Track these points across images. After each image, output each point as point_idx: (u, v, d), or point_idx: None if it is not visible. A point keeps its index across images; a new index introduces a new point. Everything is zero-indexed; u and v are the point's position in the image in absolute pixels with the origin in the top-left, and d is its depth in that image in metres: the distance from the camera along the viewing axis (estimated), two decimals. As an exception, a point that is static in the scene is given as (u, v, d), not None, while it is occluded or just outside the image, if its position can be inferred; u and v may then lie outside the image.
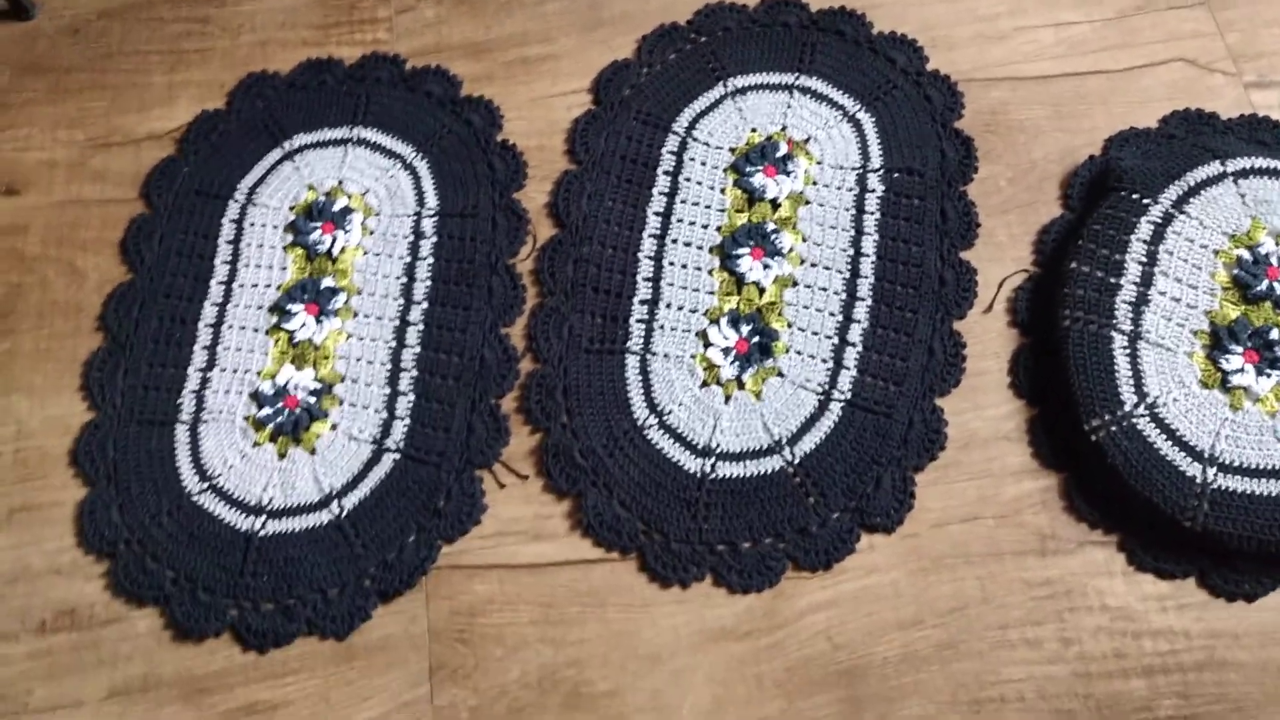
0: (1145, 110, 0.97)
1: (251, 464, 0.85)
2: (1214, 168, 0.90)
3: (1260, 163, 0.90)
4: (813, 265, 0.91)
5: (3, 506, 0.85)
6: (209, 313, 0.91)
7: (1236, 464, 0.80)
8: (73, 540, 0.84)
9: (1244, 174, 0.90)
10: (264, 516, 0.83)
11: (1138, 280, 0.86)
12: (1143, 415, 0.82)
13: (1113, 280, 0.86)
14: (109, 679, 0.79)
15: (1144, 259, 0.87)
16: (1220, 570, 0.79)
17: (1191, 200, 0.89)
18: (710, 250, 0.92)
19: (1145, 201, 0.89)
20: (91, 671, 0.79)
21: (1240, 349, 0.83)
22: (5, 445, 0.87)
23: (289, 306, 0.90)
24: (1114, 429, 0.81)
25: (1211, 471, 0.79)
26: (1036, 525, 0.82)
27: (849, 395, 0.86)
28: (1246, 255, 0.87)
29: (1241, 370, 0.83)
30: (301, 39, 1.05)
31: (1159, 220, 0.88)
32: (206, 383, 0.88)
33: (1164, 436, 0.81)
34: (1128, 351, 0.84)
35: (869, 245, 0.91)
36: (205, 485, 0.84)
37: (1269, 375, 0.83)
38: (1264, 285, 0.85)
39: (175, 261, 0.93)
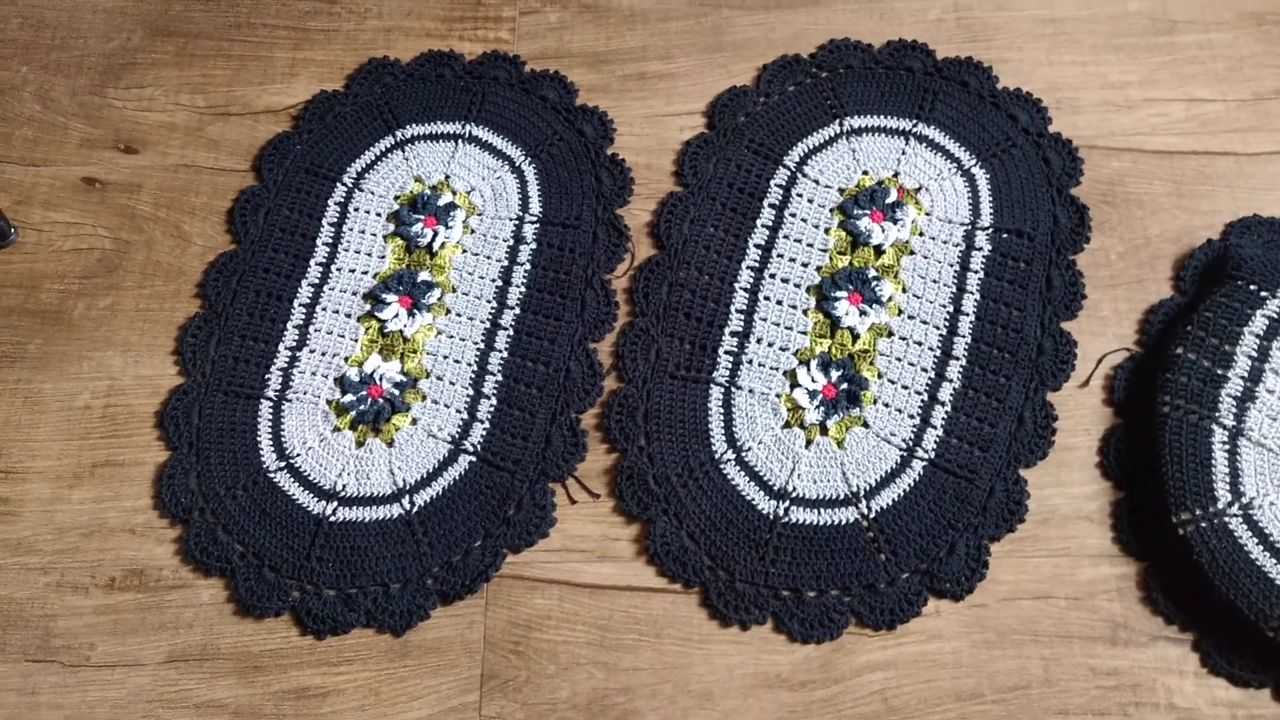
0: (1271, 198, 0.94)
1: (329, 448, 0.86)
2: (1340, 268, 0.87)
3: (1389, 268, 0.87)
4: (910, 317, 0.90)
5: (87, 459, 0.87)
6: (305, 292, 0.92)
7: (1330, 579, 0.77)
8: (149, 502, 0.85)
9: (1371, 278, 0.86)
10: (335, 503, 0.84)
11: (1246, 374, 0.84)
12: (1236, 515, 0.79)
13: (1219, 371, 0.84)
14: (169, 644, 0.80)
15: (1255, 353, 0.84)
16: (1299, 685, 0.77)
17: (1312, 299, 0.86)
18: (808, 289, 0.91)
19: (1263, 294, 0.86)
20: (153, 634, 0.80)
21: (1346, 460, 0.81)
22: (97, 400, 0.89)
23: (384, 296, 0.91)
24: (1204, 525, 0.79)
25: (1302, 583, 0.77)
26: (1110, 612, 0.80)
27: (932, 455, 0.84)
28: (1364, 363, 0.84)
29: (1345, 482, 0.80)
30: (425, 30, 1.06)
31: (1275, 315, 0.86)
32: (295, 362, 0.89)
33: (1256, 540, 0.78)
34: (1227, 447, 0.82)
35: (969, 304, 0.90)
36: (282, 464, 0.85)
37: (1374, 491, 0.80)
38: (1379, 397, 0.82)
39: (278, 237, 0.94)
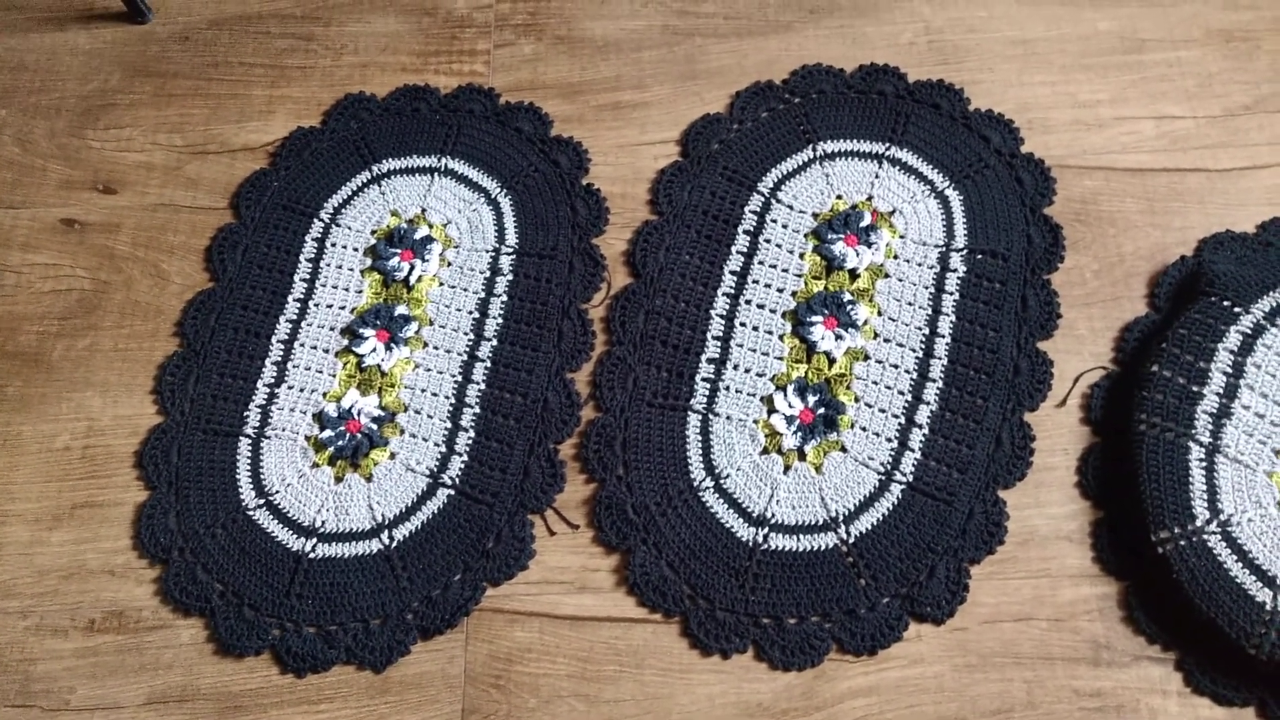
0: (1243, 214, 0.95)
1: (308, 484, 0.86)
2: (1312, 282, 0.87)
3: (1362, 282, 0.87)
4: (886, 341, 0.90)
5: (67, 501, 0.87)
6: (283, 329, 0.92)
7: (1311, 594, 0.77)
8: (129, 542, 0.85)
9: (1344, 292, 0.87)
10: (315, 539, 0.84)
11: (1221, 391, 0.84)
12: (1215, 533, 0.79)
13: (1195, 388, 0.84)
14: (149, 686, 0.80)
15: (1230, 369, 0.84)
16: (1282, 703, 0.77)
17: (1286, 314, 0.86)
18: (784, 315, 0.92)
19: (1236, 310, 0.86)
20: (133, 676, 0.80)
21: (1324, 474, 0.81)
22: (76, 441, 0.89)
23: (361, 330, 0.91)
24: (1183, 543, 0.79)
25: (1283, 599, 0.76)
26: (1092, 633, 0.80)
27: (911, 478, 0.84)
28: (1339, 377, 0.84)
29: (1323, 497, 0.80)
30: (401, 64, 1.07)
31: (1249, 331, 0.86)
32: (274, 398, 0.89)
33: (1235, 557, 0.78)
34: (1204, 464, 0.82)
35: (945, 326, 0.90)
36: (261, 501, 0.85)
37: (1352, 505, 0.80)
38: (1355, 410, 0.82)
39: (256, 274, 0.95)
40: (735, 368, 0.90)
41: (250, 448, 0.88)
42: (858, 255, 0.93)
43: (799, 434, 0.86)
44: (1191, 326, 0.86)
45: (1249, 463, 0.82)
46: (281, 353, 0.91)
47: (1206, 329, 0.86)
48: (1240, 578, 0.77)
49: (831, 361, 0.89)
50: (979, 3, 1.07)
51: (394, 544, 0.83)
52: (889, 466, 0.85)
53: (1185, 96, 1.01)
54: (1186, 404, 0.83)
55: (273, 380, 0.90)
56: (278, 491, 0.86)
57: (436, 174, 1.00)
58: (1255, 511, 0.80)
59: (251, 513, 0.85)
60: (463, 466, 0.86)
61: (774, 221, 0.96)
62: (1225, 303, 0.87)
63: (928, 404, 0.87)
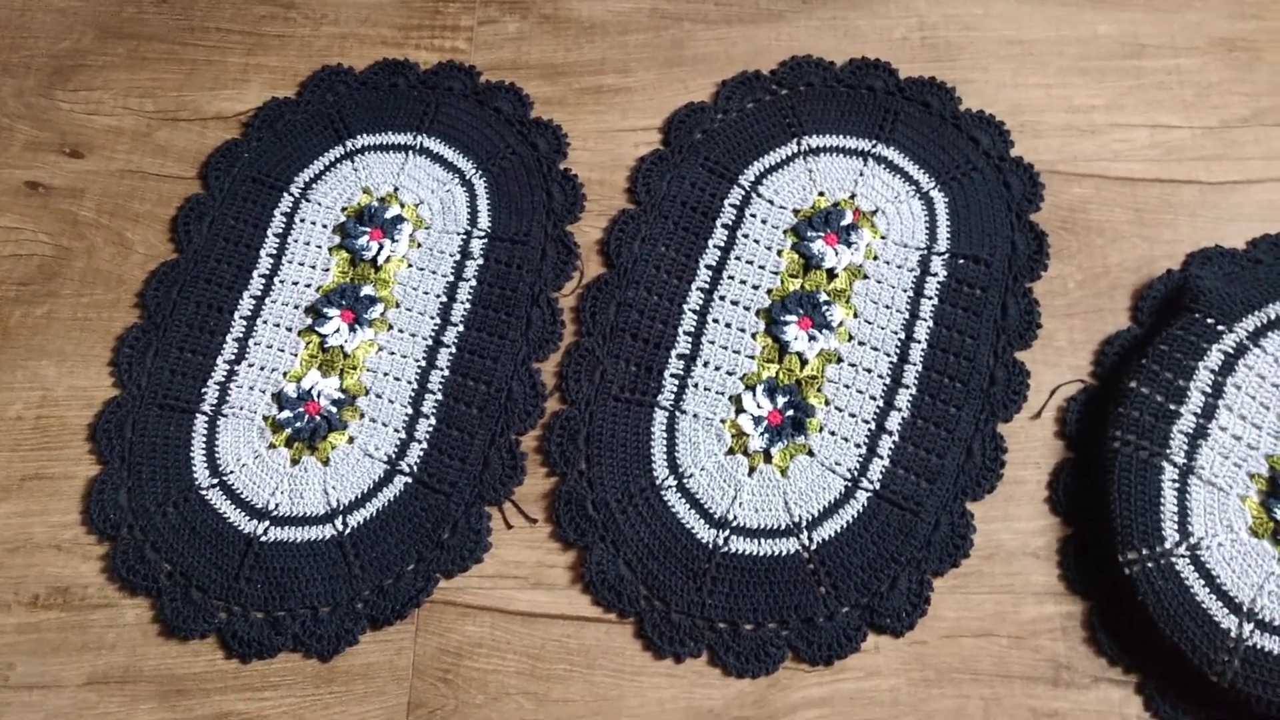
0: (1234, 229, 0.93)
1: (264, 465, 0.84)
2: (1299, 304, 0.85)
3: (1350, 305, 0.85)
4: (861, 344, 0.88)
5: (16, 472, 0.85)
6: (246, 304, 0.90)
7: (1277, 623, 0.75)
8: (77, 517, 0.84)
9: (1331, 315, 0.85)
10: (267, 522, 0.82)
11: (1199, 411, 0.82)
12: (1183, 555, 0.77)
13: (1172, 407, 0.82)
14: (90, 665, 0.78)
15: (1209, 389, 0.83)
16: (1242, 731, 0.75)
17: (1269, 335, 0.84)
18: (757, 313, 0.90)
19: (1220, 328, 0.84)
20: (75, 655, 0.79)
21: (1298, 501, 0.79)
22: (29, 410, 0.88)
23: (325, 310, 0.89)
24: (1150, 565, 0.77)
25: (1249, 627, 0.75)
26: (1053, 652, 0.78)
27: (877, 486, 0.82)
28: (1320, 402, 0.82)
29: (1296, 524, 0.78)
30: (381, 37, 1.04)
31: (1231, 350, 0.84)
32: (233, 375, 0.88)
33: (1202, 582, 0.77)
34: (1177, 485, 0.80)
35: (922, 331, 0.88)
36: (215, 481, 0.84)
37: (1325, 534, 0.78)
38: (1334, 437, 0.81)
39: (221, 247, 0.93)
40: (705, 365, 0.88)
41: (206, 425, 0.86)
42: (837, 255, 0.91)
43: (766, 435, 0.84)
44: (1173, 343, 0.84)
45: (1223, 485, 0.80)
46: (243, 329, 0.89)
47: (1188, 346, 0.84)
48: (1206, 603, 0.76)
49: (804, 363, 0.87)
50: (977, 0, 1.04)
51: (347, 531, 0.82)
52: (856, 473, 0.83)
53: (1182, 106, 0.98)
54: (1163, 422, 0.82)
55: (233, 357, 0.88)
56: (232, 472, 0.84)
57: (411, 152, 0.97)
58: (1226, 536, 0.78)
59: (204, 492, 0.83)
60: (421, 454, 0.84)
61: (753, 216, 0.94)
62: (1209, 320, 0.85)
63: (899, 410, 0.85)
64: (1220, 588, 0.76)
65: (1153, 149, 0.96)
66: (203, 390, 0.87)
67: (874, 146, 0.96)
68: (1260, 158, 0.95)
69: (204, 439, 0.85)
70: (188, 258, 0.93)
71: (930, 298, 0.89)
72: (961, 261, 0.91)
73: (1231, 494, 0.80)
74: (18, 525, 0.83)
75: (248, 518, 0.82)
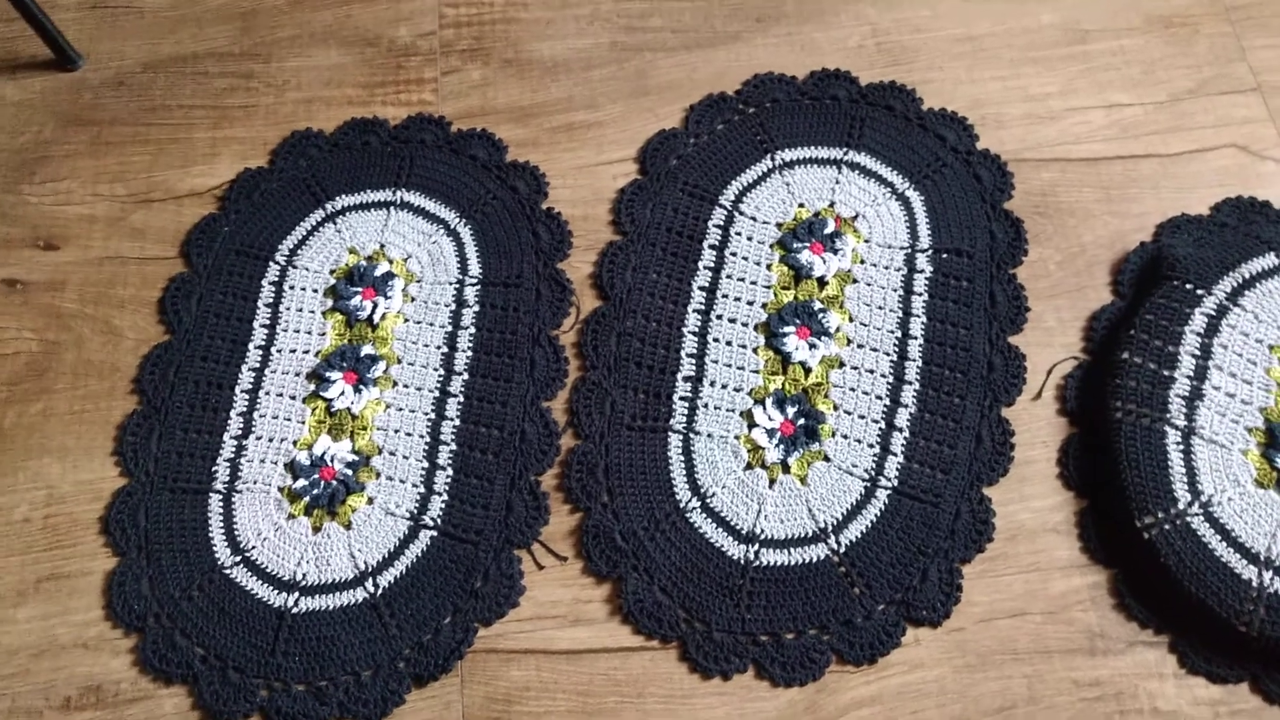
0: (1196, 196, 0.96)
1: (285, 537, 0.83)
2: (1269, 260, 0.89)
3: (1316, 256, 0.89)
4: (860, 346, 0.90)
5: (30, 575, 0.83)
6: (246, 378, 0.90)
7: (1293, 568, 0.78)
8: (100, 612, 0.82)
9: (1300, 267, 0.88)
10: (297, 593, 0.81)
11: (1191, 374, 0.85)
12: (1197, 514, 0.80)
13: (1166, 373, 0.85)
14: (135, 761, 0.77)
15: (1197, 352, 0.86)
16: (1274, 676, 0.77)
17: (1246, 293, 0.88)
18: (755, 328, 0.91)
19: (1199, 292, 0.88)
20: (117, 752, 0.77)
21: (1296, 448, 0.82)
22: (35, 511, 0.86)
23: (327, 374, 0.89)
24: (1167, 528, 0.80)
25: (1268, 575, 0.77)
26: (1085, 623, 0.80)
27: (896, 482, 0.84)
28: (1302, 351, 0.86)
29: (1298, 470, 0.81)
30: (347, 97, 1.05)
31: (1213, 312, 0.87)
32: (242, 451, 0.87)
33: (1219, 537, 0.79)
34: (1181, 447, 0.83)
35: (917, 327, 0.90)
36: (238, 558, 0.83)
37: (1326, 476, 0.81)
38: (1321, 383, 0.84)
39: (214, 323, 0.92)
40: (712, 384, 0.89)
41: (222, 504, 0.85)
42: (825, 263, 0.92)
43: (781, 446, 0.86)
44: (1157, 312, 0.87)
45: (1224, 443, 0.83)
46: (247, 403, 0.89)
47: (1172, 313, 0.87)
48: (1226, 557, 0.78)
49: (807, 371, 0.89)
50: (923, 2, 1.07)
51: (379, 591, 0.81)
52: (873, 472, 0.85)
53: (1131, 84, 1.02)
54: (1159, 389, 0.84)
55: (239, 432, 0.87)
56: (254, 547, 0.83)
57: (392, 208, 0.97)
58: (1234, 490, 0.81)
59: (228, 571, 0.82)
60: (443, 506, 0.84)
61: (738, 234, 0.95)
62: (1188, 286, 0.88)
63: (906, 407, 0.87)
64: (1236, 540, 0.79)
65: (1109, 128, 1.00)
66: (213, 469, 0.86)
67: (846, 154, 0.99)
68: (1211, 126, 1.00)
69: (221, 518, 0.84)
70: (180, 338, 0.92)
71: (920, 294, 0.92)
72: (945, 256, 0.93)
73: (1234, 450, 0.82)
74: (40, 629, 0.81)
75: (276, 591, 0.81)
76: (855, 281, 0.92)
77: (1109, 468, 0.83)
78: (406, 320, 0.92)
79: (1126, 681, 0.78)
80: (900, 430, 0.86)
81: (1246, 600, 0.77)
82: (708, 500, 0.84)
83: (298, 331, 0.92)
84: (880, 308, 0.91)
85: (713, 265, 0.94)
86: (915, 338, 0.90)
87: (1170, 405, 0.84)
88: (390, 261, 0.95)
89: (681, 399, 0.88)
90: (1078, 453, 0.86)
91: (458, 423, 0.87)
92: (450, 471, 0.86)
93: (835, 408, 0.87)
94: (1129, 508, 0.81)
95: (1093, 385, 0.88)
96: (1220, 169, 0.98)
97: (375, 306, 0.92)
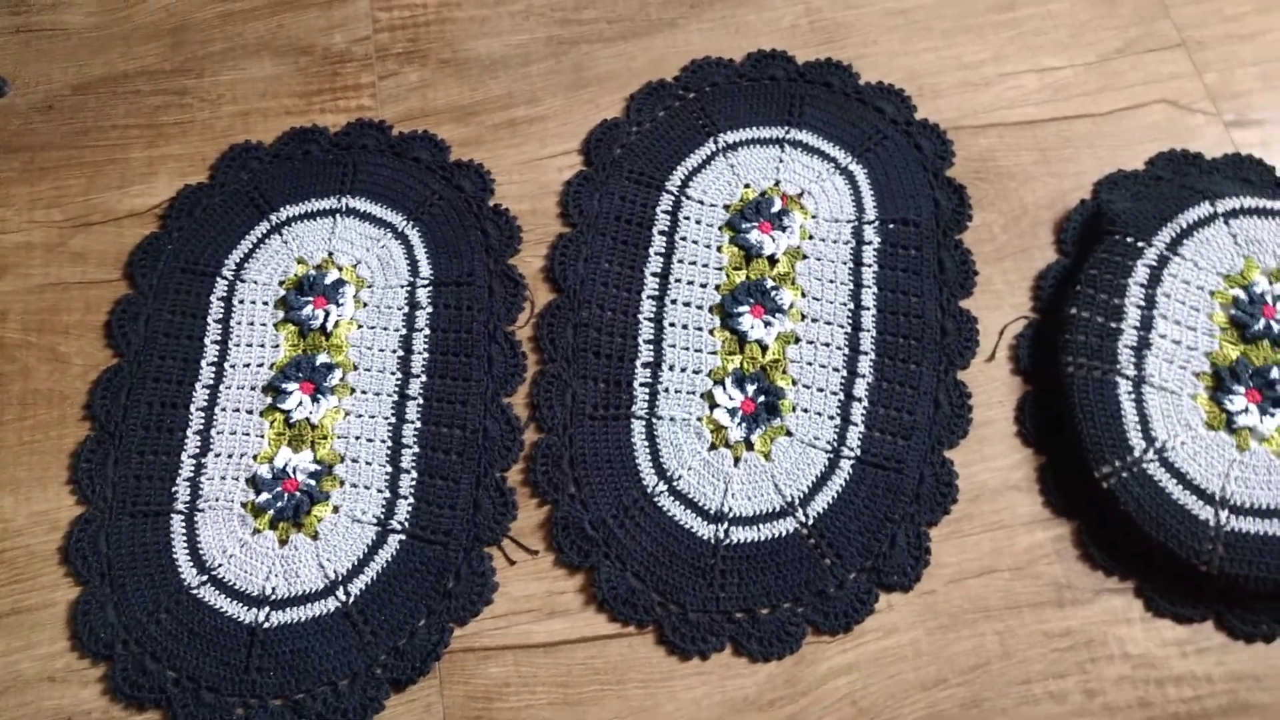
0: (1130, 152, 0.98)
1: (252, 552, 0.82)
2: (1204, 209, 0.91)
3: (1248, 202, 0.91)
4: (814, 321, 0.90)
5: (-9, 611, 0.82)
6: (201, 396, 0.88)
7: (1248, 505, 0.79)
8: (66, 644, 0.80)
9: (1234, 214, 0.90)
10: (267, 607, 0.80)
11: (1138, 324, 0.87)
12: (1152, 460, 0.82)
13: (1113, 325, 0.87)
14: (113, 790, 0.76)
15: (1142, 302, 0.87)
16: (1237, 612, 0.79)
17: (1185, 242, 0.90)
18: (710, 309, 0.91)
19: (1140, 245, 0.90)
20: (94, 782, 0.76)
21: (1242, 389, 0.84)
22: (-9, 545, 0.84)
23: (284, 385, 0.88)
24: (1125, 475, 0.81)
25: (1224, 514, 0.79)
26: (1052, 575, 0.82)
27: (858, 452, 0.85)
28: (1242, 295, 0.88)
29: (1245, 410, 0.83)
30: (284, 108, 1.04)
31: (1154, 263, 0.89)
32: (201, 469, 0.85)
33: (1174, 481, 0.81)
34: (1133, 396, 0.84)
35: (869, 298, 0.91)
36: (204, 578, 0.82)
37: (1273, 414, 0.83)
38: (1261, 324, 0.86)
39: (163, 343, 0.91)
40: (671, 368, 0.89)
41: (184, 524, 0.84)
42: (774, 241, 0.93)
43: (744, 425, 0.86)
44: (1101, 266, 0.89)
45: (1174, 389, 0.84)
46: (203, 421, 0.87)
47: (1115, 266, 0.89)
48: (1183, 499, 0.80)
49: (764, 349, 0.89)
50: (853, -21, 1.09)
51: (351, 599, 0.80)
52: (835, 444, 0.85)
53: (1061, 47, 1.04)
54: (1108, 341, 0.86)
55: (198, 450, 0.86)
56: (220, 565, 0.82)
57: (338, 215, 0.97)
58: (1187, 434, 0.83)
59: (196, 591, 0.81)
60: (410, 509, 0.84)
61: (687, 218, 0.96)
62: (1129, 239, 0.90)
63: (864, 377, 0.88)
64: (1191, 483, 0.81)
65: (1041, 91, 1.02)
66: (173, 490, 0.85)
67: (788, 133, 0.99)
68: (1140, 83, 1.02)
69: (185, 538, 0.83)
70: (130, 360, 0.90)
71: (870, 265, 0.93)
72: (892, 226, 0.94)
73: (1183, 395, 0.84)
74: (2, 665, 0.80)
75: (246, 608, 0.80)
76: (805, 257, 0.93)
77: (1064, 422, 0.85)
78: (360, 326, 0.91)
79: (1096, 629, 0.80)
80: (859, 400, 0.87)
81: (1205, 540, 0.79)
82: (674, 483, 0.84)
83: (250, 345, 0.91)
84: (831, 281, 0.92)
85: (663, 251, 0.94)
86: (868, 308, 0.91)
87: (1119, 356, 0.85)
88: (340, 269, 0.94)
89: (642, 385, 0.89)
90: (1033, 410, 0.88)
91: (419, 425, 0.87)
92: (415, 474, 0.85)
93: (794, 383, 0.88)
94: (1086, 459, 0.82)
95: (1044, 343, 0.90)
96: (1151, 124, 1.00)
97: (328, 315, 0.91)
